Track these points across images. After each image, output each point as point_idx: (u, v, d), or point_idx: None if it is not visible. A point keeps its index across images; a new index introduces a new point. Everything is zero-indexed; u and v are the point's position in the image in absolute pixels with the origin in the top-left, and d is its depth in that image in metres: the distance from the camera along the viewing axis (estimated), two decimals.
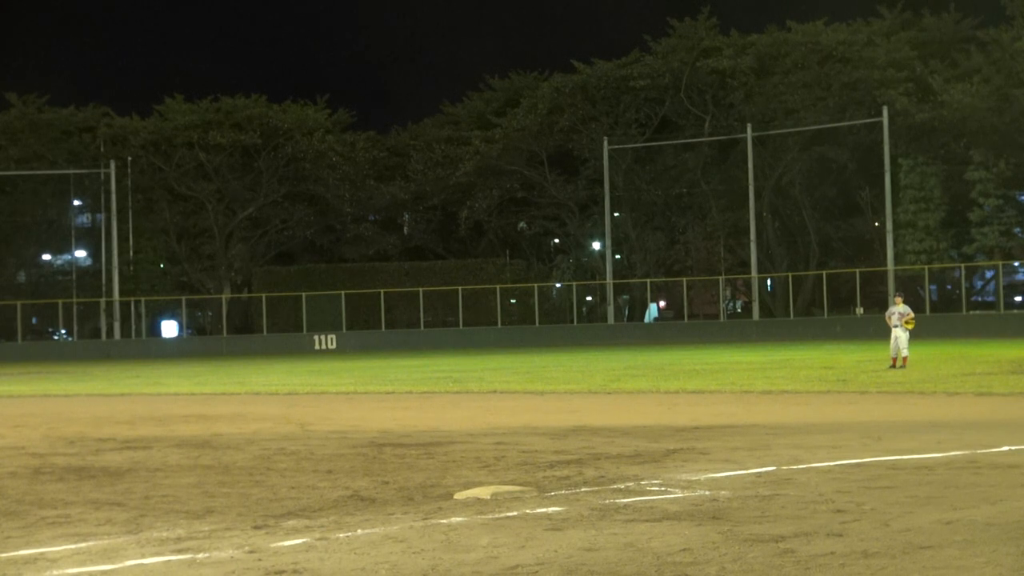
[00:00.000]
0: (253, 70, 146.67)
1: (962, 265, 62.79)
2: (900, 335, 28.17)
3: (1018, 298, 72.82)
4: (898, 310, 28.82)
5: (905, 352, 27.99)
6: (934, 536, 7.63)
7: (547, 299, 72.23)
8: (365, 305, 68.41)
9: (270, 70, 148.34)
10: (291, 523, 8.74)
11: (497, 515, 8.81)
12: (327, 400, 23.63)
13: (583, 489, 10.00)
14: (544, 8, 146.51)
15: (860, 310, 62.70)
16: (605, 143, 68.62)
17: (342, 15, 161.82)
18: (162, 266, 74.98)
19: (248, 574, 7.13)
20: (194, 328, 77.75)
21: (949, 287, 67.99)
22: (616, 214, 71.16)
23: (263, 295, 69.61)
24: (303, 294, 68.56)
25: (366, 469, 11.76)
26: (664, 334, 63.45)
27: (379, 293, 67.70)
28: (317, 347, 64.36)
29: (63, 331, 73.17)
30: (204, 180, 73.69)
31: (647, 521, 8.37)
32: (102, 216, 71.73)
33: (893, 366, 27.79)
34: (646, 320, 72.28)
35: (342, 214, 75.47)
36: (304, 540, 8.06)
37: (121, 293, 69.15)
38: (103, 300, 69.73)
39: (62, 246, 76.07)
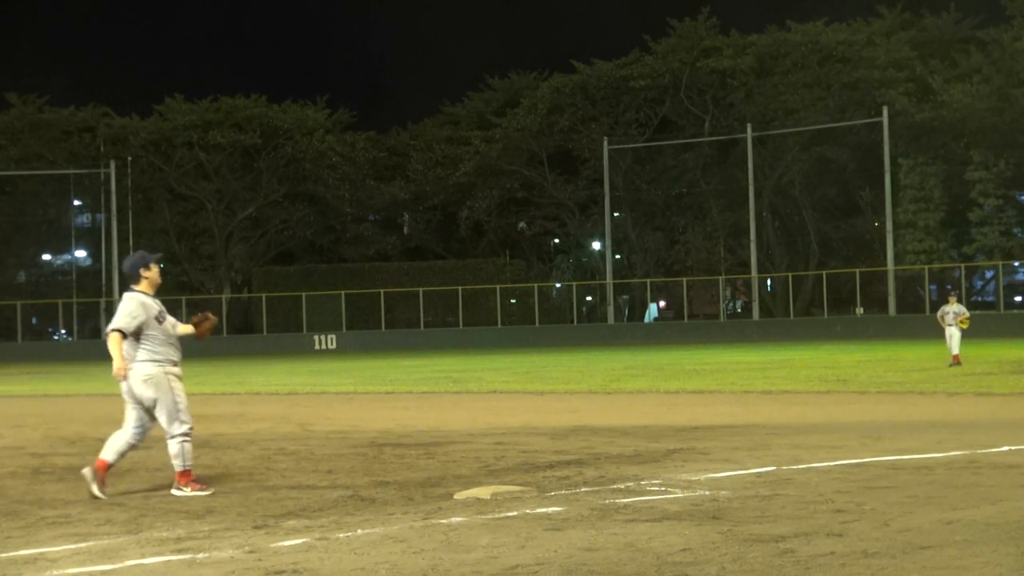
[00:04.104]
0: (253, 70, 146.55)
1: (962, 265, 62.80)
2: (954, 333, 28.36)
3: (1018, 298, 72.81)
4: (952, 309, 29.02)
5: (955, 350, 28.12)
6: (934, 536, 7.62)
7: (547, 299, 72.23)
8: (365, 305, 68.39)
9: (270, 70, 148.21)
10: (291, 523, 8.73)
11: (497, 515, 8.80)
12: (327, 400, 23.62)
13: (583, 489, 9.99)
14: (544, 8, 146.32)
15: (860, 310, 62.71)
16: (605, 143, 68.62)
17: (342, 15, 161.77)
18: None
19: (248, 574, 7.12)
20: None
21: (949, 287, 67.92)
22: (616, 214, 71.17)
23: (263, 295, 69.60)
24: (303, 294, 68.55)
25: (366, 469, 11.75)
26: (664, 334, 63.41)
27: (379, 293, 67.70)
28: (317, 347, 64.35)
29: (63, 331, 73.12)
30: (204, 180, 73.68)
31: (647, 521, 8.36)
32: (102, 216, 71.73)
33: (955, 363, 27.81)
34: (646, 320, 72.27)
35: (342, 214, 75.47)
36: (304, 540, 8.05)
37: (121, 293, 69.07)
38: (103, 300, 69.68)
39: (62, 246, 76.06)
